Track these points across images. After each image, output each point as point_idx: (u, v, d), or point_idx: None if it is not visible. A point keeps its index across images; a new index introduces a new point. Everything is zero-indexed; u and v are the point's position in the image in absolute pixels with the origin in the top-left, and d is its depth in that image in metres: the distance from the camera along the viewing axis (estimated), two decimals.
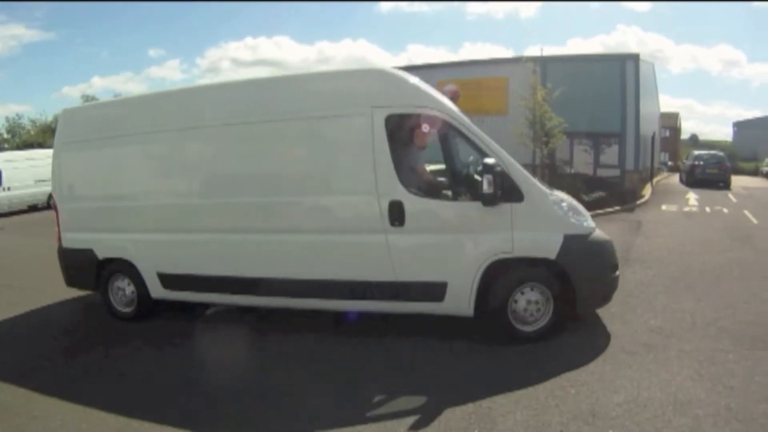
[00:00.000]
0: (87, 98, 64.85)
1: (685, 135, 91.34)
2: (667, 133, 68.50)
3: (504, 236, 6.74)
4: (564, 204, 7.19)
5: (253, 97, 8.01)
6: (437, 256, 6.98)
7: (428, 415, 5.39)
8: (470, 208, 6.91)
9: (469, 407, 5.50)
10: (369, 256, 7.18)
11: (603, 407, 5.37)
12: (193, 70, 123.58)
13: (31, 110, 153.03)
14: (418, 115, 7.15)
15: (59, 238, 9.37)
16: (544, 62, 26.37)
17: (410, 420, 5.33)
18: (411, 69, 29.07)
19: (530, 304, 6.94)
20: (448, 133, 7.56)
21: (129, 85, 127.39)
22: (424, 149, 7.72)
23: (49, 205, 28.97)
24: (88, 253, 8.97)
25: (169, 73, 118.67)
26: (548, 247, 6.76)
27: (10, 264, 13.85)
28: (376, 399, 5.86)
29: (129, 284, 8.82)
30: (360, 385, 6.19)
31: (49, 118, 62.57)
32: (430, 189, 7.31)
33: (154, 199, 8.49)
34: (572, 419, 5.20)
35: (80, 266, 9.18)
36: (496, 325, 7.06)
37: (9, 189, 27.54)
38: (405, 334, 7.56)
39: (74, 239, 9.20)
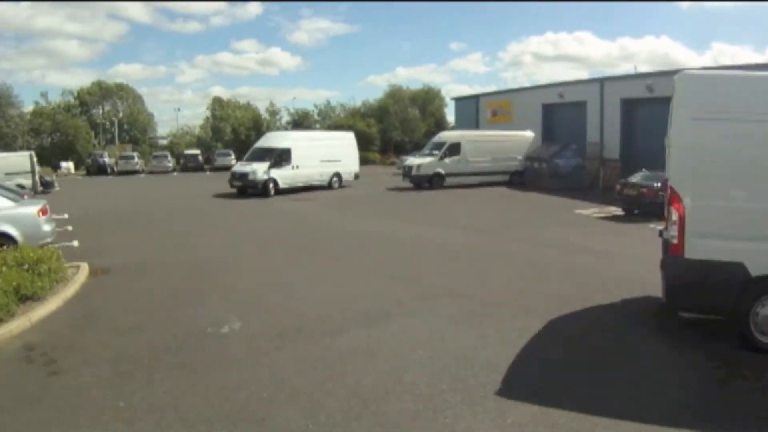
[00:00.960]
0: (393, 87, 69.34)
1: None
2: None
3: None
4: None
5: None
6: None
7: None
8: None
9: None
10: None
11: None
12: (496, 63, 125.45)
13: (339, 95, 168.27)
14: None
15: (680, 246, 7.25)
16: None
17: None
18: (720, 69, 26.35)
19: None
20: None
21: (433, 75, 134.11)
22: None
23: (329, 185, 31.14)
24: (733, 268, 7.03)
25: (472, 66, 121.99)
26: None
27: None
28: None
29: None
30: None
31: (358, 103, 68.45)
32: None
33: None
34: None
35: (714, 283, 7.14)
36: None
37: (297, 167, 29.25)
38: None
39: (712, 248, 7.12)
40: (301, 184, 29.50)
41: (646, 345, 7.49)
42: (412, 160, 32.54)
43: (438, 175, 30.45)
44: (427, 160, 31.09)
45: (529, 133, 34.39)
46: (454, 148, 30.92)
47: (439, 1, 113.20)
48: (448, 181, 30.36)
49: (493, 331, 7.89)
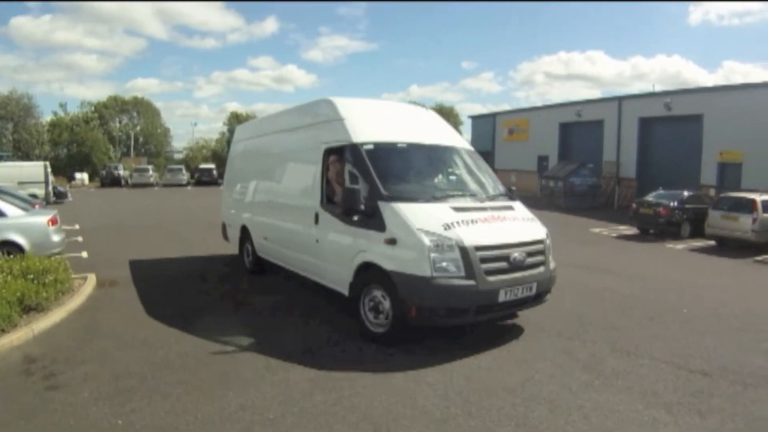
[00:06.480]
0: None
1: None
2: None
3: None
4: None
5: None
6: None
7: None
8: None
9: None
10: None
11: None
12: (508, 82, 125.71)
13: None
14: None
15: None
16: None
17: None
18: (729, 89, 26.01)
19: None
20: None
21: (446, 94, 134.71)
22: None
23: None
24: None
25: (485, 85, 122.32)
26: None
27: None
28: None
29: None
30: None
31: None
32: None
33: None
34: None
35: None
36: None
37: None
38: None
39: None
40: None
41: None
42: None
43: None
44: None
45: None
46: None
47: (452, 18, 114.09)
48: None
49: (507, 353, 7.65)
